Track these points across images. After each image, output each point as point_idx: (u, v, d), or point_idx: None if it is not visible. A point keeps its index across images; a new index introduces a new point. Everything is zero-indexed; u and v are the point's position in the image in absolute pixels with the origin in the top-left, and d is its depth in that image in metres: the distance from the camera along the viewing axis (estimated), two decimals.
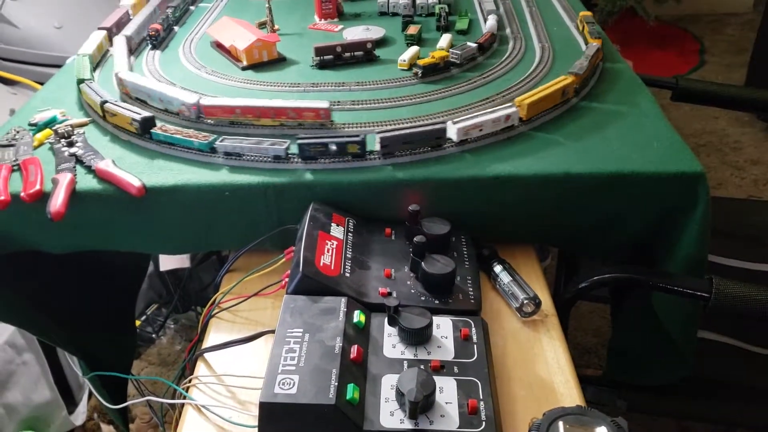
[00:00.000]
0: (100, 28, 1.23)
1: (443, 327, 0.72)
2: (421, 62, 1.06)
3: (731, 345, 1.07)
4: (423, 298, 0.76)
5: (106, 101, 0.96)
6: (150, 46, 1.22)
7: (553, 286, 1.41)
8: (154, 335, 1.82)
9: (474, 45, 1.12)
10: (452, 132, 0.88)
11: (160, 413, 0.94)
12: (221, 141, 0.89)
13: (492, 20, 1.21)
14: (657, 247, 0.90)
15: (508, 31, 1.24)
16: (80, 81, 1.04)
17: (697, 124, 2.68)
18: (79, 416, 1.46)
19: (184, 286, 1.76)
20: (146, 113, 0.93)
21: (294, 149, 0.87)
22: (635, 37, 3.35)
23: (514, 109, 0.91)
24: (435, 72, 1.07)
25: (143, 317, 1.81)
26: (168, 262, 1.62)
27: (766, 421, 1.04)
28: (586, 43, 1.14)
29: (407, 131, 0.87)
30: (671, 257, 0.87)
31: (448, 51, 1.09)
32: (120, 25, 1.27)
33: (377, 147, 0.87)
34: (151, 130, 0.92)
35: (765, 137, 2.59)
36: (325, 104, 0.91)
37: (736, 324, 1.08)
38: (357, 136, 0.87)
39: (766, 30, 2.55)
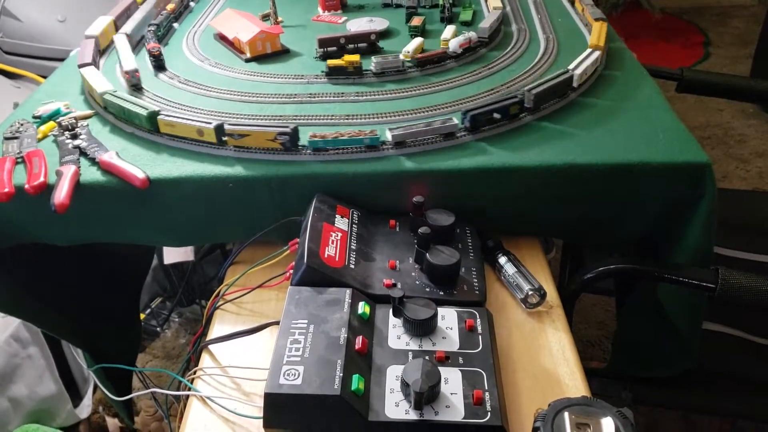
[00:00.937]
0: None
1: (448, 318, 0.72)
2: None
3: (737, 336, 1.07)
4: (428, 290, 0.76)
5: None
6: (152, 64, 1.13)
7: (558, 279, 1.41)
8: (158, 328, 1.82)
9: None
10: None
11: (164, 405, 0.94)
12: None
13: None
14: (663, 238, 0.89)
15: (513, 24, 1.23)
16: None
17: (701, 117, 2.67)
18: (84, 409, 1.46)
19: (188, 279, 1.77)
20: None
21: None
22: (640, 30, 3.34)
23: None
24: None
25: (147, 310, 1.82)
26: (172, 255, 1.63)
27: None
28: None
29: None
30: (677, 248, 0.87)
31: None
32: (128, 14, 1.27)
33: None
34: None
35: None
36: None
37: (741, 315, 1.08)
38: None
39: None
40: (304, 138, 0.87)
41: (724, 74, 1.35)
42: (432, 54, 1.07)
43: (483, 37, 1.11)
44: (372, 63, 1.05)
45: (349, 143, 0.86)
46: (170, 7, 1.16)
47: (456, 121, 0.88)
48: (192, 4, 1.39)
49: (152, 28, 1.22)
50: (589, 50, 1.03)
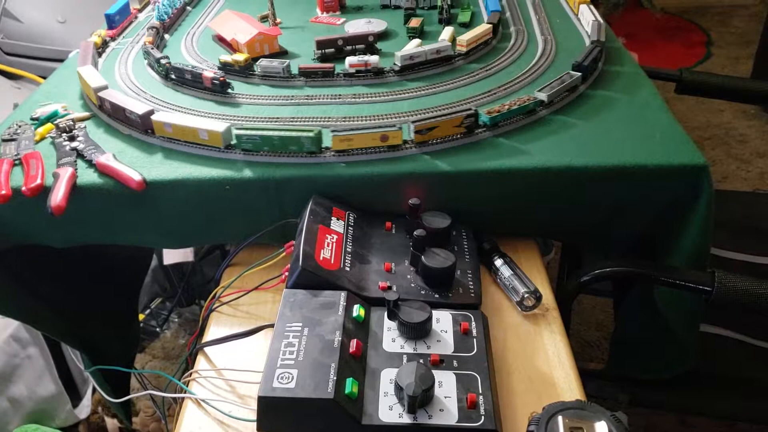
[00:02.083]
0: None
1: (443, 321, 0.72)
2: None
3: (734, 339, 1.06)
4: (423, 292, 0.76)
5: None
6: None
7: (557, 280, 1.41)
8: (158, 329, 1.82)
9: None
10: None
11: (162, 407, 0.94)
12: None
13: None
14: (660, 240, 0.89)
15: (511, 26, 1.23)
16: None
17: (702, 117, 2.66)
18: (84, 410, 1.47)
19: (188, 280, 1.77)
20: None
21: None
22: (641, 30, 3.33)
23: None
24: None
25: (147, 311, 1.82)
26: (171, 256, 1.63)
27: None
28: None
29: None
30: (674, 250, 0.87)
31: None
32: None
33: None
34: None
35: None
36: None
37: (738, 317, 1.07)
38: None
39: None
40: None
41: (723, 75, 1.35)
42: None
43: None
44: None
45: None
46: (148, 40, 1.16)
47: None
48: (188, 8, 1.39)
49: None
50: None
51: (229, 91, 1.02)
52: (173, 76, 1.06)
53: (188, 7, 1.38)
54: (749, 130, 2.58)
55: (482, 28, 1.13)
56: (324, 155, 0.86)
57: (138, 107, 0.92)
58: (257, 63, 1.07)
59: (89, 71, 1.03)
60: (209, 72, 1.02)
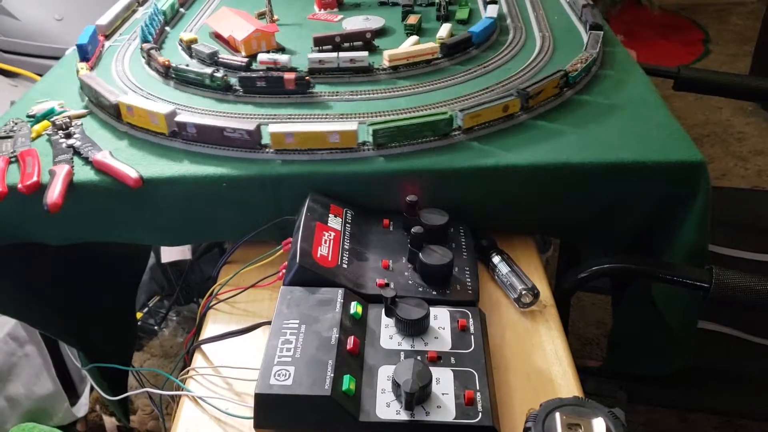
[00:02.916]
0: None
1: (440, 318, 0.71)
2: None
3: (731, 335, 1.06)
4: (420, 289, 0.76)
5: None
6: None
7: (555, 277, 1.41)
8: (156, 327, 1.82)
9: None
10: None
11: (160, 405, 0.94)
12: None
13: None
14: (657, 236, 0.89)
15: (509, 22, 1.22)
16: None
17: (700, 115, 2.66)
18: (81, 408, 1.47)
19: (186, 277, 1.77)
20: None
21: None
22: (639, 27, 3.33)
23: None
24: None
25: (145, 309, 1.81)
26: (169, 254, 1.63)
27: (767, 411, 1.03)
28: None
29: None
30: (672, 247, 0.87)
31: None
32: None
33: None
34: None
35: None
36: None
37: (736, 314, 1.07)
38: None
39: None
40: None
41: (721, 72, 1.35)
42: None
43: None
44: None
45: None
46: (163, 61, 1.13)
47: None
48: (182, 10, 1.38)
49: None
50: None
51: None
52: (240, 87, 1.01)
53: (181, 9, 1.37)
54: (747, 128, 2.58)
55: (422, 46, 1.07)
56: (364, 150, 0.86)
57: (245, 124, 0.88)
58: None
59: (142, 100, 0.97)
60: (290, 74, 0.99)
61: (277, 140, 0.86)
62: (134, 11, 1.37)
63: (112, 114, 0.96)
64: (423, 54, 1.06)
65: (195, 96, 1.02)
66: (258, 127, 0.87)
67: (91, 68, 1.11)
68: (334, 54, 1.04)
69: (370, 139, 0.86)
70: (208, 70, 1.02)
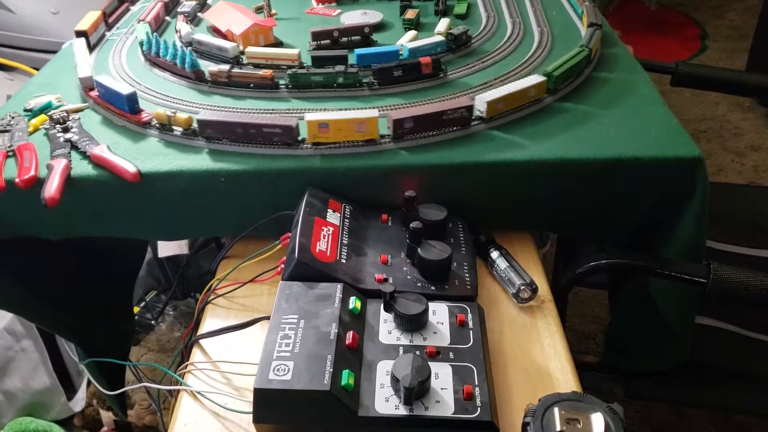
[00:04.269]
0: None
1: (439, 313, 0.71)
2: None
3: (729, 331, 1.07)
4: (419, 284, 0.76)
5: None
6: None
7: (552, 273, 1.41)
8: (153, 322, 1.82)
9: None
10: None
11: (157, 399, 0.94)
12: None
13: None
14: (655, 232, 0.89)
15: (507, 18, 1.22)
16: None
17: (697, 110, 2.66)
18: (78, 403, 1.47)
19: (183, 272, 1.76)
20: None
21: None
22: (636, 23, 3.33)
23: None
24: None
25: (142, 304, 1.81)
26: (166, 249, 1.62)
27: (764, 406, 1.04)
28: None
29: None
30: (669, 243, 0.87)
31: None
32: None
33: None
34: None
35: (765, 123, 2.57)
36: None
37: (734, 310, 1.08)
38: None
39: (767, 16, 2.53)
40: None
41: (719, 68, 1.36)
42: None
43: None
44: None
45: None
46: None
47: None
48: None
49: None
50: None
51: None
52: (376, 80, 1.00)
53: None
54: (744, 123, 2.58)
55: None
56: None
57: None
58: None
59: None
60: (426, 59, 0.99)
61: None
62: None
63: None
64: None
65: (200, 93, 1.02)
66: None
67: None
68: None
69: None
70: (339, 68, 0.99)
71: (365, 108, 0.92)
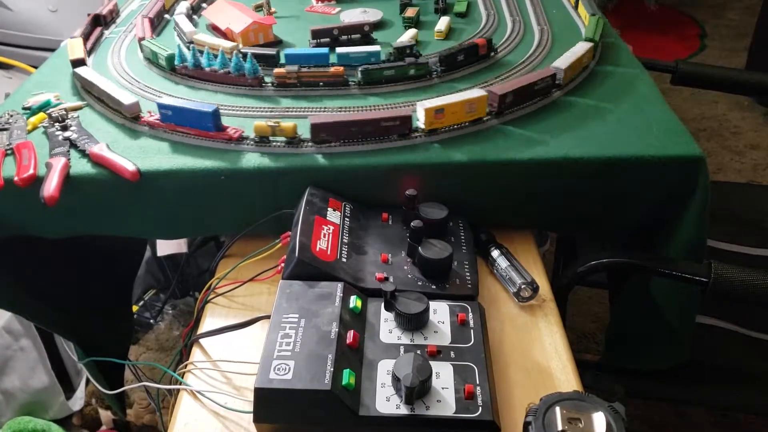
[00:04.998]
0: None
1: (440, 312, 0.71)
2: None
3: (730, 330, 1.07)
4: (420, 283, 0.75)
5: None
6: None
7: (552, 272, 1.41)
8: (151, 320, 1.82)
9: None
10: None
11: (157, 398, 0.94)
12: None
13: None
14: (656, 231, 0.89)
15: (507, 16, 1.22)
16: None
17: (696, 109, 2.66)
18: (77, 402, 1.46)
19: (182, 271, 1.76)
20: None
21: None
22: (635, 22, 3.33)
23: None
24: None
25: (141, 303, 1.81)
26: (165, 248, 1.62)
27: (764, 405, 1.04)
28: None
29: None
30: (670, 242, 0.87)
31: None
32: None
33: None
34: None
35: (764, 122, 2.57)
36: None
37: (734, 309, 1.07)
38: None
39: (766, 15, 2.53)
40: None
41: (719, 67, 1.35)
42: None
43: None
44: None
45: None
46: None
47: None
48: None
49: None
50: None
51: None
52: (440, 68, 1.02)
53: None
54: (743, 122, 2.58)
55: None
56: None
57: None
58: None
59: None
60: (481, 40, 1.02)
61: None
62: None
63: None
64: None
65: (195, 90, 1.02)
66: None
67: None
68: None
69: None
70: (409, 60, 1.00)
71: (438, 96, 0.92)
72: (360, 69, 0.99)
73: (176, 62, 1.04)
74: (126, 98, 0.93)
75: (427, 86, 1.00)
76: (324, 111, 0.94)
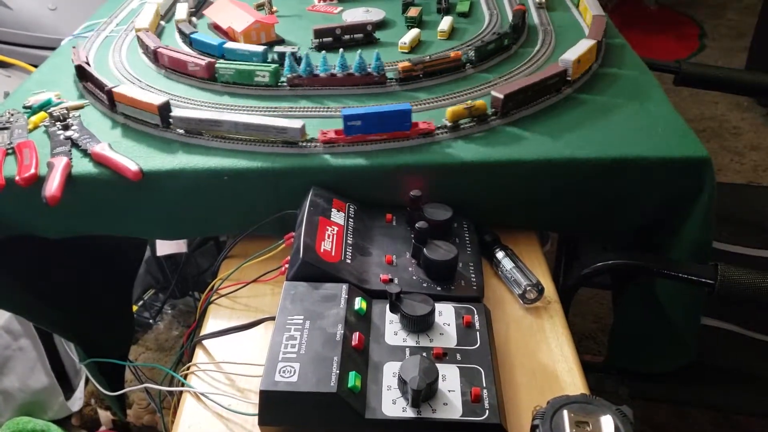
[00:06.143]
0: None
1: (445, 314, 0.71)
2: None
3: (732, 331, 1.06)
4: (425, 285, 0.75)
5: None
6: None
7: (553, 271, 1.41)
8: (151, 320, 1.81)
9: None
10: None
11: (158, 399, 0.93)
12: None
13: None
14: (661, 232, 0.89)
15: (509, 13, 1.22)
16: None
17: (696, 110, 2.66)
18: (76, 402, 1.46)
19: (182, 271, 1.75)
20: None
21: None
22: (635, 22, 3.33)
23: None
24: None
25: (140, 302, 1.80)
26: (165, 247, 1.61)
27: (766, 407, 1.03)
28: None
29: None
30: (676, 242, 0.87)
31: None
32: None
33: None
34: None
35: (764, 123, 2.57)
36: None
37: (739, 311, 1.07)
38: None
39: (766, 14, 2.53)
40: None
41: (722, 67, 1.35)
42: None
43: None
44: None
45: None
46: None
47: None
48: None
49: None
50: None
51: None
52: (474, 60, 1.03)
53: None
54: (743, 123, 2.58)
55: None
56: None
57: None
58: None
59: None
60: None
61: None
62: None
63: None
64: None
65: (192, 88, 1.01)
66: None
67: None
68: None
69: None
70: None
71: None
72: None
73: (286, 73, 0.98)
74: (292, 122, 0.85)
75: (459, 79, 1.01)
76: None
